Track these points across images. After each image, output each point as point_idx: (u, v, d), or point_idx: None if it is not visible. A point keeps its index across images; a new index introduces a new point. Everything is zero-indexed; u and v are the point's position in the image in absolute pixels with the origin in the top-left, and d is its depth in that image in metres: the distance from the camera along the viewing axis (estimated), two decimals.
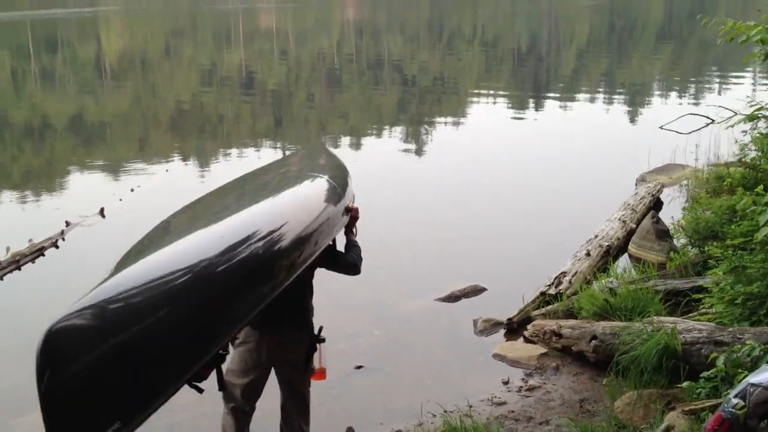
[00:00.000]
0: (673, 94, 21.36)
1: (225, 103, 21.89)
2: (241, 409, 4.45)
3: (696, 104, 18.71)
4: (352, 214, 4.52)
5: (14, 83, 27.20)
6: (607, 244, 8.58)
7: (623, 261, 8.65)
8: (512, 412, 5.70)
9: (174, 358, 3.26)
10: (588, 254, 8.27)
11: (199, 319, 3.31)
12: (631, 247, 8.84)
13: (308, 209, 4.11)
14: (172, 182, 12.58)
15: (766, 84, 21.55)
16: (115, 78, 28.49)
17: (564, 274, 7.81)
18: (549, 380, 6.27)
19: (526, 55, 33.12)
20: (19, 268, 8.74)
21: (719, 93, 20.71)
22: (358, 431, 5.64)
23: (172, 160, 14.51)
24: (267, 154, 14.70)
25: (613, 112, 18.90)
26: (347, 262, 4.47)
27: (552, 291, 7.56)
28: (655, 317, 6.09)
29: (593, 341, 6.26)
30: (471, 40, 39.82)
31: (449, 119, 19.07)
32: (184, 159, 14.82)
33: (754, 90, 20.48)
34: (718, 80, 23.62)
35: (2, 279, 8.52)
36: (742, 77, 23.21)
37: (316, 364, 4.46)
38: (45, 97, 24.60)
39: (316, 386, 4.63)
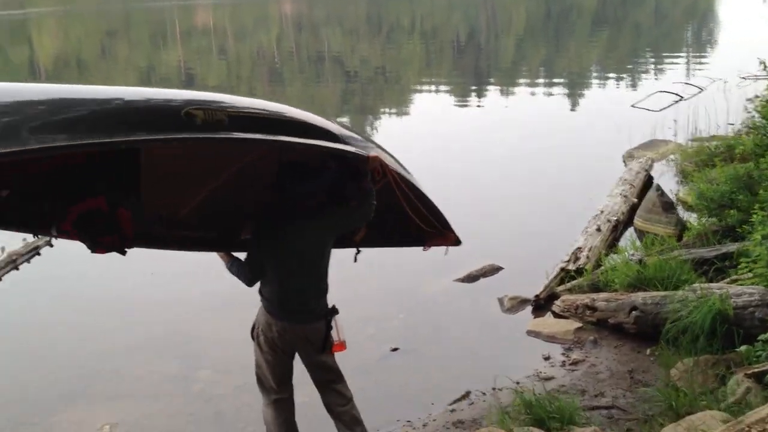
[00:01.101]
0: (622, 76, 21.75)
1: None
2: (278, 399, 4.55)
3: (634, 87, 19.11)
4: (372, 165, 4.23)
5: None
6: (615, 218, 8.77)
7: (630, 234, 8.78)
8: (563, 386, 5.64)
9: None
10: (598, 229, 8.44)
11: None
12: (638, 221, 8.96)
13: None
14: None
15: (701, 64, 22.05)
16: (51, 80, 27.86)
17: (580, 249, 7.95)
18: (590, 353, 6.30)
19: (466, 44, 33.36)
20: (17, 268, 8.56)
21: (655, 75, 21.16)
22: (408, 412, 5.65)
23: None
24: None
25: (568, 97, 19.10)
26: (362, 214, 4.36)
27: (571, 266, 7.64)
28: (698, 284, 6.08)
29: (633, 312, 6.29)
30: (410, 32, 39.92)
31: (394, 110, 19.12)
32: None
33: (687, 69, 20.97)
34: (653, 62, 24.12)
35: (1, 279, 8.29)
36: (678, 58, 23.76)
37: (334, 337, 4.51)
38: None
39: (356, 371, 4.79)
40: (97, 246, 4.04)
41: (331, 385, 4.58)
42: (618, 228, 8.78)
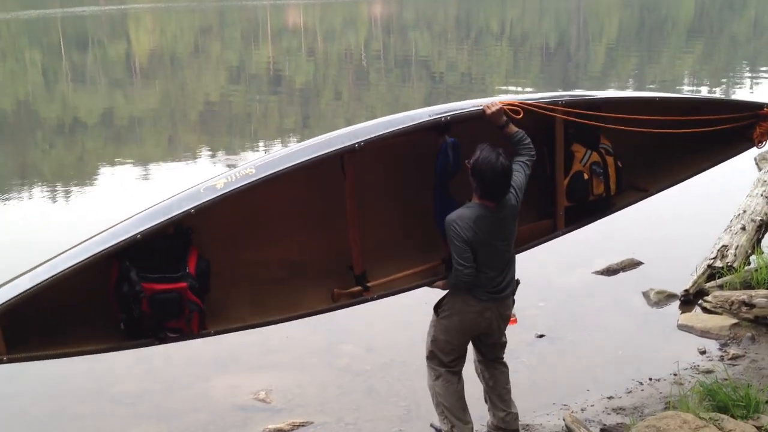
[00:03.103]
0: (715, 89, 21.14)
1: (253, 102, 22.01)
2: (453, 371, 4.77)
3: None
4: (492, 111, 4.67)
5: (46, 80, 27.50)
6: (759, 218, 8.68)
7: None
8: (725, 380, 5.56)
9: None
10: (743, 228, 8.37)
11: None
12: None
13: None
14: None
15: None
16: (145, 75, 28.73)
17: (726, 247, 7.93)
18: (749, 349, 6.27)
19: (555, 51, 32.92)
20: None
21: (751, 89, 20.47)
22: (563, 396, 5.77)
23: (201, 156, 14.64)
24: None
25: None
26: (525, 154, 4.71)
27: (719, 263, 7.67)
28: None
29: None
30: (499, 37, 39.61)
31: None
32: (234, 152, 14.94)
33: None
34: (749, 75, 23.33)
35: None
36: None
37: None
38: (76, 95, 24.86)
39: (506, 355, 4.98)
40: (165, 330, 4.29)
41: (502, 361, 4.92)
42: (762, 228, 8.70)
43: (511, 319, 4.81)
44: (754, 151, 11.43)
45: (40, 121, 19.87)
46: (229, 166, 13.51)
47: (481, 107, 4.70)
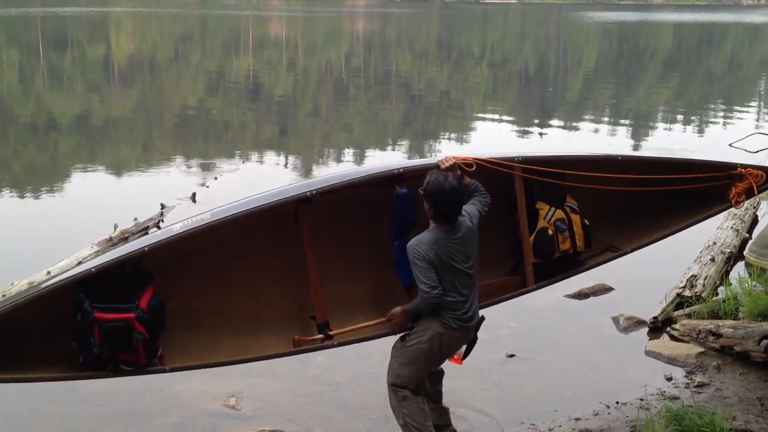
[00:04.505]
0: (688, 125, 21.38)
1: (231, 111, 21.93)
2: (420, 391, 4.89)
3: (701, 133, 18.75)
4: (446, 166, 4.88)
5: (22, 79, 27.23)
6: (729, 251, 8.94)
7: (740, 268, 8.84)
8: (690, 407, 5.60)
9: None
10: (713, 260, 8.58)
11: None
12: (750, 256, 9.03)
13: None
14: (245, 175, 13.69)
15: None
16: (123, 79, 28.54)
17: (695, 277, 8.11)
18: (715, 378, 6.34)
19: (534, 76, 33.21)
20: None
21: (724, 124, 20.75)
22: (531, 418, 5.82)
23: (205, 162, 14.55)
24: (270, 160, 14.80)
25: (631, 137, 18.88)
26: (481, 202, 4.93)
27: (687, 292, 7.84)
28: None
29: (764, 341, 6.35)
30: (479, 60, 39.92)
31: (455, 136, 19.12)
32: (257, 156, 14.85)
33: (757, 120, 20.51)
34: (723, 110, 23.65)
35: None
36: (747, 111, 23.25)
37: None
38: (52, 96, 24.64)
39: (476, 372, 5.43)
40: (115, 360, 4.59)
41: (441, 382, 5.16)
42: (731, 260, 8.93)
43: (455, 357, 4.88)
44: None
45: (13, 119, 19.63)
46: (203, 172, 13.45)
47: (436, 161, 4.90)
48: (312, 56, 38.85)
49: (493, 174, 5.08)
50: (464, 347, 4.88)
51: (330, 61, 36.88)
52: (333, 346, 5.04)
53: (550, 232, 5.43)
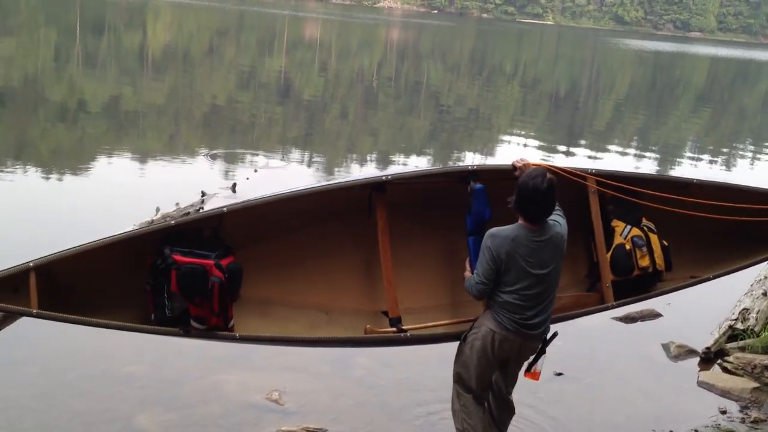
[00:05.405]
0: (716, 158, 21.25)
1: (260, 109, 22.03)
2: (480, 396, 4.81)
3: (728, 168, 18.63)
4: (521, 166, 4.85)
5: (57, 60, 27.51)
6: None
7: None
8: None
9: None
10: (765, 294, 8.43)
11: None
12: None
13: None
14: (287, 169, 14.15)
15: None
16: (156, 69, 28.76)
17: (747, 310, 7.99)
18: None
19: (564, 100, 33.12)
20: None
21: (751, 162, 20.60)
22: None
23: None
24: (309, 159, 14.88)
25: (658, 167, 18.80)
26: None
27: (740, 325, 7.77)
28: None
29: None
30: (511, 78, 39.88)
31: (479, 152, 19.12)
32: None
33: None
34: (752, 149, 23.48)
35: None
36: None
37: (538, 366, 4.82)
38: (85, 79, 24.87)
39: (524, 389, 5.12)
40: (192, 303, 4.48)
41: (508, 393, 4.98)
42: None
43: (533, 371, 4.82)
44: None
45: (45, 100, 19.84)
46: (227, 170, 13.52)
47: (510, 163, 4.87)
48: (345, 61, 39.00)
49: (565, 189, 4.89)
50: (532, 358, 4.80)
51: (362, 67, 36.98)
52: (406, 339, 4.95)
53: (628, 247, 5.28)
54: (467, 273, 4.80)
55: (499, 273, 4.47)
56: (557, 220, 4.58)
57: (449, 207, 5.15)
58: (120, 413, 5.63)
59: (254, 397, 5.93)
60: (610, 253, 5.29)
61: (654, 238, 5.37)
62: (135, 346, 6.23)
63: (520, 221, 4.50)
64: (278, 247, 5.05)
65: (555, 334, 4.79)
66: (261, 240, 4.97)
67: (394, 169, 15.03)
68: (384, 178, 4.86)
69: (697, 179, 5.71)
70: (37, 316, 4.20)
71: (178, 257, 4.37)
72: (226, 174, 12.98)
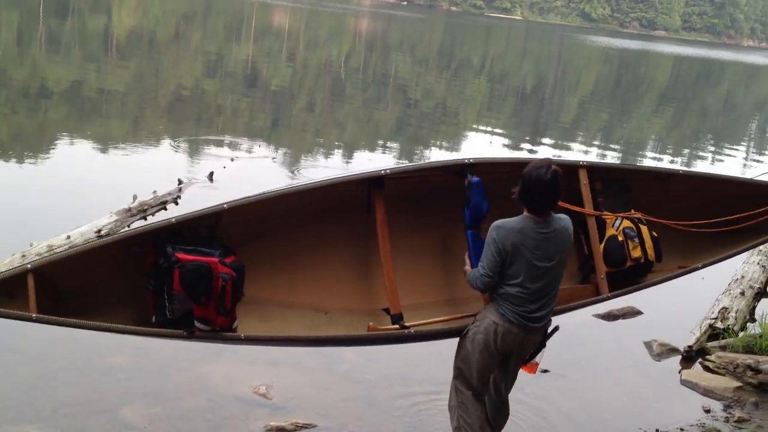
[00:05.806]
0: (677, 157, 21.55)
1: (225, 97, 21.88)
2: (480, 392, 4.79)
3: (687, 167, 18.86)
4: None
5: (19, 43, 27.02)
6: (758, 286, 8.94)
7: (764, 304, 8.82)
8: None
9: None
10: (743, 293, 8.59)
11: None
12: None
13: None
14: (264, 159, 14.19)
15: (757, 161, 21.77)
16: (120, 55, 28.38)
17: (726, 309, 8.09)
18: (754, 415, 6.34)
19: (530, 95, 33.34)
20: (145, 218, 8.85)
21: (712, 162, 20.92)
22: None
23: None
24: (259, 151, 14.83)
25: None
26: None
27: (719, 324, 7.85)
28: None
29: None
30: (478, 72, 40.02)
31: (445, 145, 19.16)
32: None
33: (745, 162, 20.71)
34: (712, 149, 23.85)
35: (129, 227, 8.39)
36: (736, 150, 23.47)
37: (537, 359, 4.83)
38: (48, 62, 24.48)
39: None
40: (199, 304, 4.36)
41: (506, 391, 4.96)
42: (758, 296, 8.94)
43: (531, 364, 4.85)
44: None
45: (6, 82, 19.49)
46: (201, 159, 13.42)
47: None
48: (312, 50, 38.81)
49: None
50: (532, 352, 4.81)
51: (330, 58, 36.85)
52: (410, 336, 4.94)
53: (620, 239, 5.36)
54: (467, 267, 4.81)
55: (504, 265, 4.46)
56: (561, 215, 4.62)
57: (446, 201, 5.16)
58: (105, 405, 5.56)
59: (241, 390, 5.88)
60: (603, 244, 5.38)
61: (644, 230, 5.48)
62: (116, 335, 6.17)
63: (525, 213, 4.50)
64: (275, 245, 5.02)
65: (556, 328, 4.80)
66: (258, 238, 4.94)
67: (364, 162, 15.07)
68: (382, 172, 4.84)
69: (682, 170, 5.79)
70: (37, 320, 4.10)
71: (182, 255, 4.27)
72: (201, 163, 12.83)
